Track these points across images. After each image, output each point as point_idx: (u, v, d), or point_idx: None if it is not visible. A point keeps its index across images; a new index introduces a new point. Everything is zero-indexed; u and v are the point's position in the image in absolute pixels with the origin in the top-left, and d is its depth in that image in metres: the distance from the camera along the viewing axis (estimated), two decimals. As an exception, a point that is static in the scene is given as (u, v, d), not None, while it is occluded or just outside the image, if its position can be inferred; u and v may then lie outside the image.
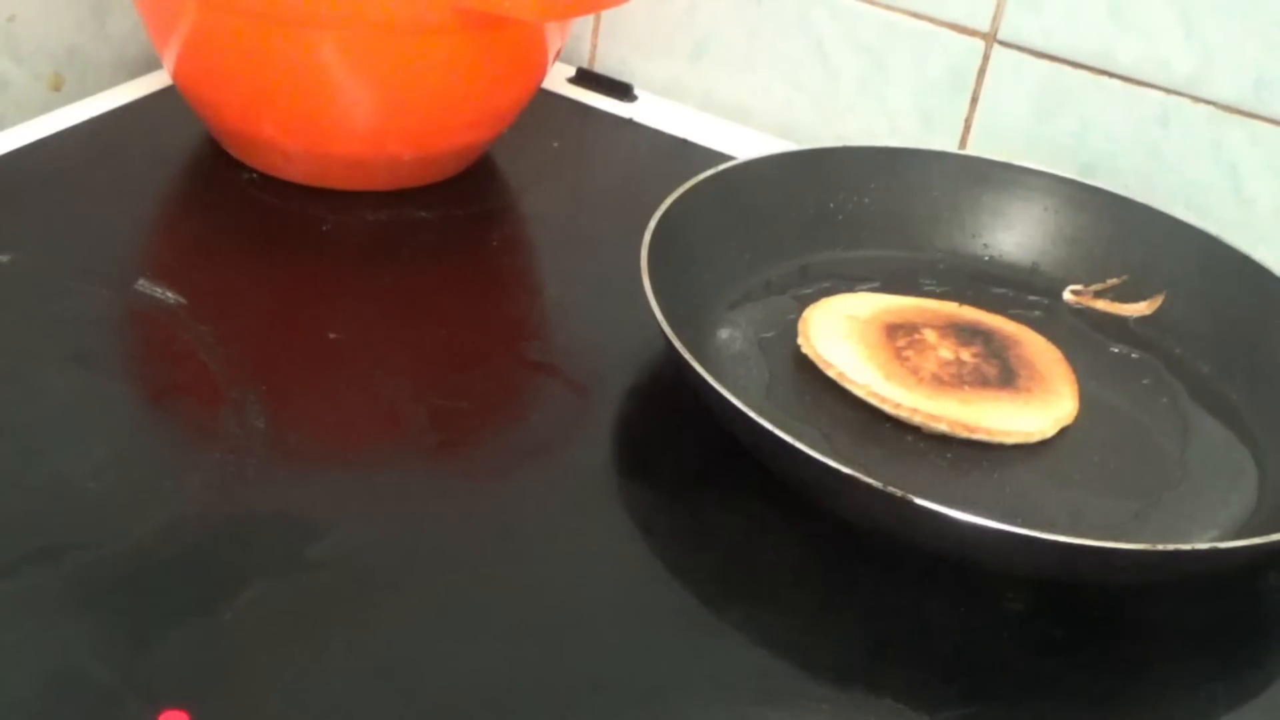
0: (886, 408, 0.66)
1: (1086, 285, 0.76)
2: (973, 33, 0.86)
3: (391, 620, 0.54)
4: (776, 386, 0.68)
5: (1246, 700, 0.57)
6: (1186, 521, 0.63)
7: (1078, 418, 0.67)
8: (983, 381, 0.67)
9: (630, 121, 0.92)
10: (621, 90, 0.94)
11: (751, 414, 0.58)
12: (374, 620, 0.54)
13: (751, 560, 0.60)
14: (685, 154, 0.88)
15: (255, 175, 0.80)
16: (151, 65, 0.88)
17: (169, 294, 0.69)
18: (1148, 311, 0.75)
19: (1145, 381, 0.71)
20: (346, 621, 0.54)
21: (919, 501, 0.54)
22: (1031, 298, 0.76)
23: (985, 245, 0.78)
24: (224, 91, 0.77)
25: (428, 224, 0.79)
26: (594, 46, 0.97)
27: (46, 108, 0.84)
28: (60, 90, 0.88)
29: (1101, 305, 0.76)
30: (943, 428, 0.65)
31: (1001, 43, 0.85)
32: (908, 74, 0.88)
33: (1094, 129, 0.84)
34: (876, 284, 0.75)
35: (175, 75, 0.79)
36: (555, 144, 0.89)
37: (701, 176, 0.72)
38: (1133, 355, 0.73)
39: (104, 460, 0.60)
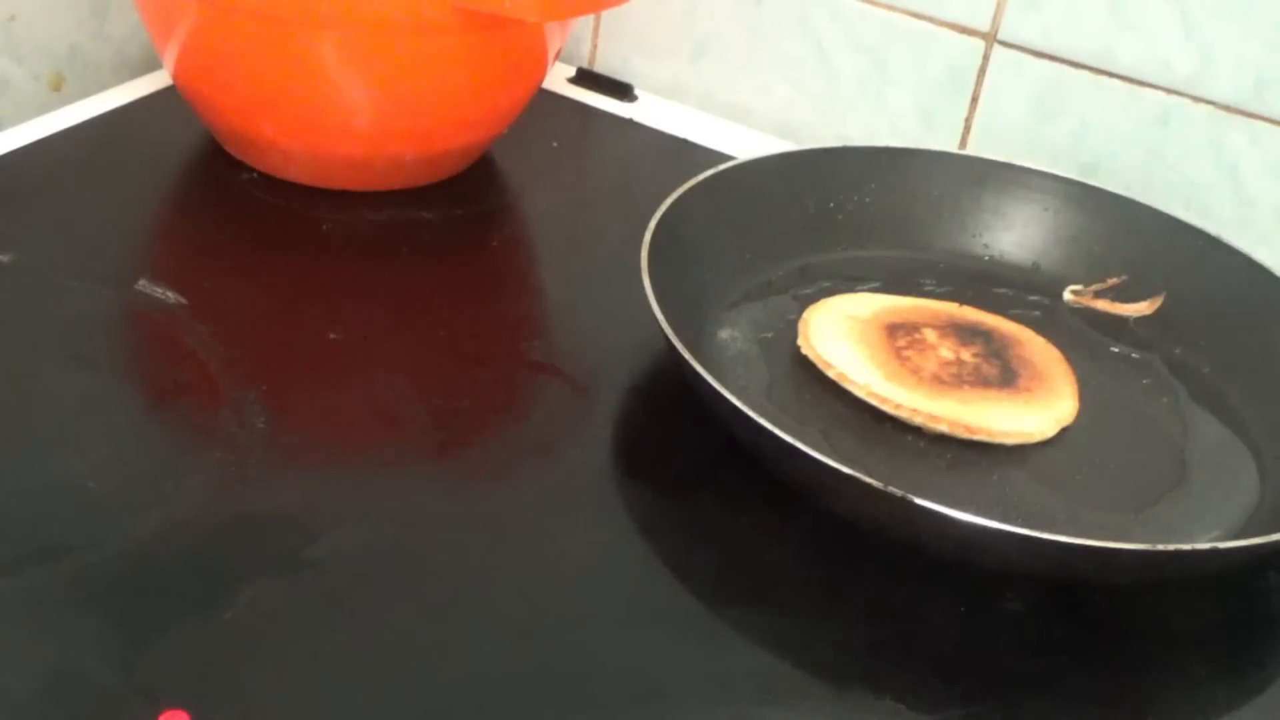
0: (887, 408, 0.66)
1: (1086, 285, 0.76)
2: (973, 33, 0.86)
3: (391, 620, 0.54)
4: (777, 386, 0.68)
5: (1246, 700, 0.57)
6: (1187, 521, 0.63)
7: (1078, 418, 0.67)
8: (983, 381, 0.67)
9: (630, 121, 0.92)
10: (621, 90, 0.94)
11: (752, 414, 0.58)
12: (374, 620, 0.54)
13: (751, 560, 0.60)
14: (685, 154, 0.88)
15: (255, 175, 0.80)
16: (151, 65, 0.88)
17: (169, 294, 0.69)
18: (1148, 311, 0.75)
19: (1145, 381, 0.71)
20: (346, 621, 0.54)
21: (919, 501, 0.54)
22: (1031, 298, 0.76)
23: (985, 245, 0.78)
24: (224, 91, 0.77)
25: (428, 224, 0.79)
26: (594, 46, 0.97)
27: (46, 108, 0.84)
28: (60, 90, 0.88)
29: (1101, 305, 0.76)
30: (943, 428, 0.65)
31: (1001, 43, 0.85)
32: (908, 74, 0.88)
33: (1094, 129, 0.84)
34: (877, 284, 0.75)
35: (175, 75, 0.79)
36: (555, 144, 0.89)
37: (701, 176, 0.72)
38: (1133, 355, 0.73)
39: (104, 460, 0.60)
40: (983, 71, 0.86)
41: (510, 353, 0.71)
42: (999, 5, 0.84)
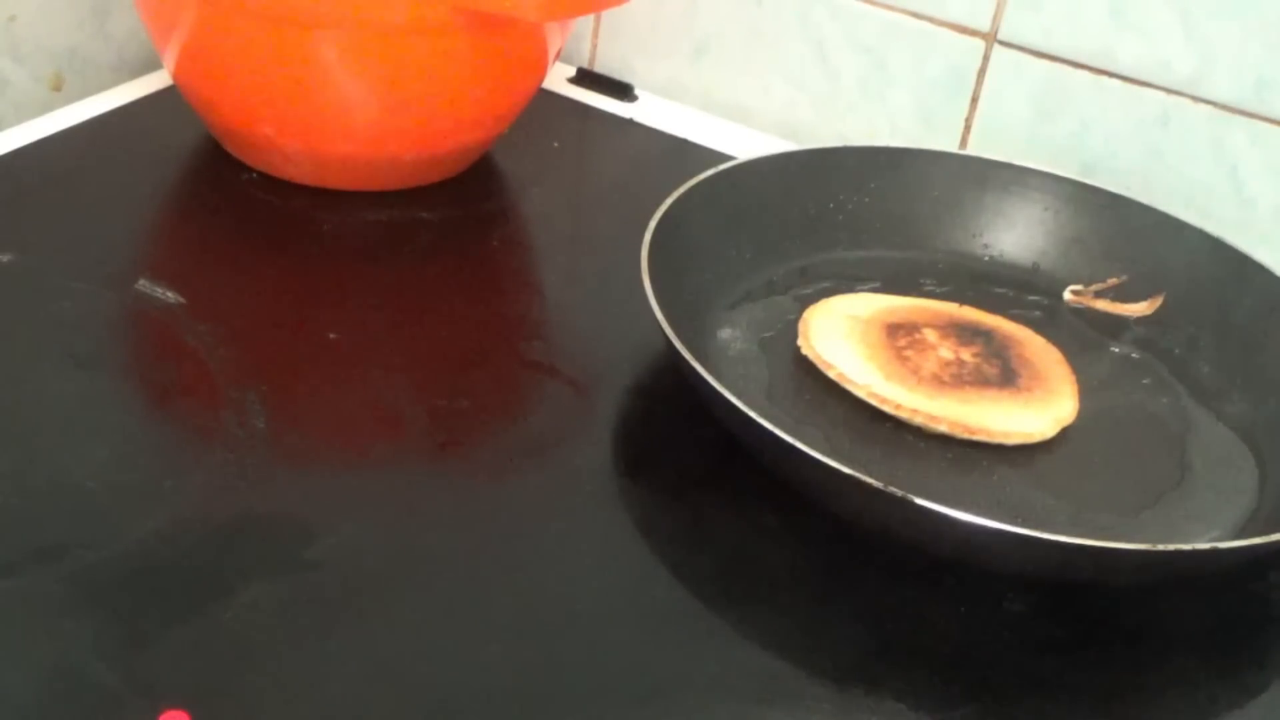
0: (887, 408, 0.66)
1: (1086, 285, 0.76)
2: (973, 33, 0.86)
3: (391, 620, 0.54)
4: (777, 387, 0.68)
5: (1246, 700, 0.57)
6: (1186, 521, 0.63)
7: (1078, 418, 0.67)
8: (983, 381, 0.67)
9: (630, 121, 0.92)
10: (621, 90, 0.94)
11: (752, 414, 0.58)
12: (374, 620, 0.54)
13: (752, 560, 0.60)
14: (685, 154, 0.88)
15: (255, 175, 0.80)
16: (151, 65, 0.88)
17: (169, 294, 0.69)
18: (1148, 311, 0.75)
19: (1145, 381, 0.71)
20: (346, 621, 0.54)
21: (919, 501, 0.54)
22: (1031, 298, 0.76)
23: (985, 245, 0.78)
24: (224, 91, 0.77)
25: (428, 224, 0.79)
26: (594, 46, 0.97)
27: (46, 108, 0.84)
28: (60, 90, 0.88)
29: (1101, 305, 0.76)
30: (943, 428, 0.65)
31: (1001, 43, 0.85)
32: (908, 74, 0.88)
33: (1094, 129, 0.84)
34: (877, 284, 0.75)
35: (175, 75, 0.79)
36: (555, 144, 0.89)
37: (701, 176, 0.72)
38: (1133, 355, 0.73)
39: (104, 460, 0.60)
40: (983, 71, 0.86)
41: (510, 353, 0.71)
42: (999, 5, 0.84)
